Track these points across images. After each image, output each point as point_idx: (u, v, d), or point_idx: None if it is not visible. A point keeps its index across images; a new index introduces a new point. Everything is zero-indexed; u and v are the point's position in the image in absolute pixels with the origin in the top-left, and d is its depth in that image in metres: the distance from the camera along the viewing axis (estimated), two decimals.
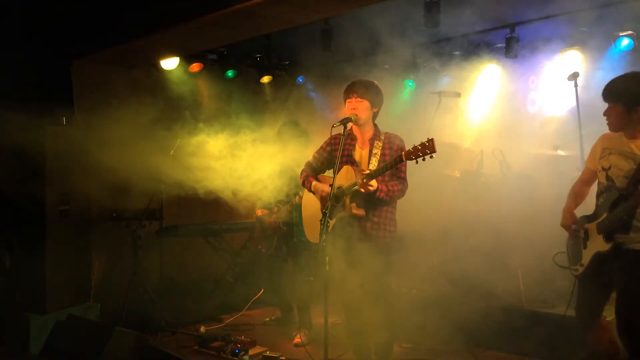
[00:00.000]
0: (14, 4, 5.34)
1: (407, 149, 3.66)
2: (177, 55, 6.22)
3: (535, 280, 5.17)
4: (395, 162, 3.72)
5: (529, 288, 5.09)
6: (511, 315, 4.68)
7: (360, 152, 4.05)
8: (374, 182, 3.75)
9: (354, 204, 3.88)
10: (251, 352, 4.69)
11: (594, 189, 3.62)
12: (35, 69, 5.29)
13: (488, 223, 5.28)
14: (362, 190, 3.74)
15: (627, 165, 3.28)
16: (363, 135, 4.06)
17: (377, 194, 3.79)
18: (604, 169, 3.41)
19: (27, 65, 5.16)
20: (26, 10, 5.43)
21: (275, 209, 5.28)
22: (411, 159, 3.62)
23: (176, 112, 6.25)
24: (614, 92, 3.33)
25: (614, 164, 3.35)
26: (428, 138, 3.56)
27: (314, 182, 4.12)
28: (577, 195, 3.71)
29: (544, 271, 5.16)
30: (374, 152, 3.95)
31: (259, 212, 5.46)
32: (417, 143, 3.60)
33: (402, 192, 3.97)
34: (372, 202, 3.89)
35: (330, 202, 3.69)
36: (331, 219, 3.88)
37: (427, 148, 3.55)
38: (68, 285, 4.99)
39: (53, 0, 5.47)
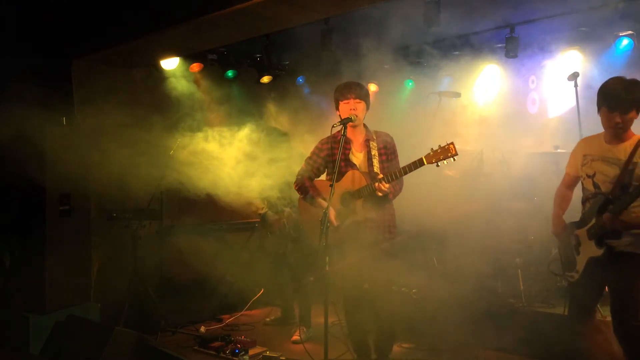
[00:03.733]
0: (14, 4, 5.34)
1: (427, 153, 3.66)
2: (177, 55, 6.22)
3: (535, 280, 5.17)
4: (416, 166, 3.72)
5: (529, 288, 5.09)
6: (511, 315, 4.68)
7: (357, 155, 4.05)
8: (388, 186, 3.78)
9: (366, 208, 3.89)
10: (251, 352, 4.69)
11: (577, 194, 3.63)
12: (35, 69, 5.29)
13: (488, 223, 5.29)
14: (380, 194, 3.77)
15: (612, 171, 3.31)
16: (357, 137, 4.07)
17: (389, 195, 3.85)
18: (589, 176, 3.43)
19: (27, 65, 5.15)
20: (26, 10, 5.43)
21: (287, 213, 5.28)
22: (432, 163, 3.64)
23: (176, 112, 6.25)
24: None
25: (598, 170, 3.37)
26: (447, 142, 3.58)
27: (319, 200, 4.06)
28: (562, 200, 3.73)
29: (544, 271, 5.17)
30: (372, 153, 3.96)
31: (261, 210, 5.47)
32: (436, 147, 3.61)
33: (400, 190, 4.03)
34: (379, 203, 3.92)
35: (330, 204, 3.67)
36: (341, 223, 3.89)
37: (448, 151, 3.57)
38: (68, 285, 4.99)
39: (53, 0, 5.47)
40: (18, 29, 5.37)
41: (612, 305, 3.32)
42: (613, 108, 3.28)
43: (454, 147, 3.56)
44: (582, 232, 3.46)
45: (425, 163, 3.66)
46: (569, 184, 3.71)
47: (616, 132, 3.33)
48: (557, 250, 3.75)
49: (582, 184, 3.52)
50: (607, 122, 3.35)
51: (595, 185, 3.39)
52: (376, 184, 3.76)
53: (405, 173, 3.76)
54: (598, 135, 3.48)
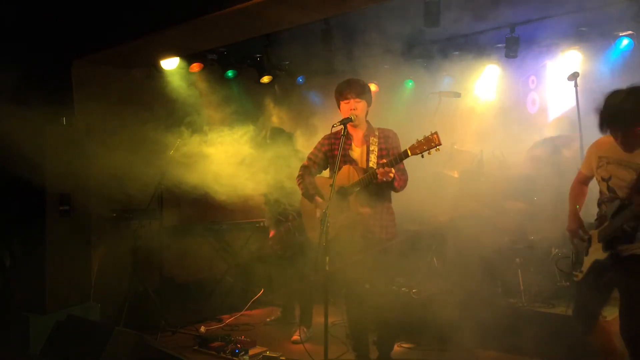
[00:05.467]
0: (15, 4, 5.33)
1: (411, 144, 3.64)
2: (177, 55, 6.22)
3: (536, 280, 5.17)
4: (402, 158, 3.71)
5: (529, 288, 5.09)
6: (511, 315, 4.68)
7: (357, 150, 4.08)
8: (392, 170, 3.72)
9: (358, 203, 3.89)
10: (251, 352, 4.68)
11: (594, 194, 3.60)
12: (35, 69, 5.29)
13: (488, 223, 5.28)
14: (383, 178, 3.69)
15: (628, 176, 3.22)
16: (358, 133, 4.09)
17: (395, 183, 3.81)
18: (604, 180, 3.35)
19: (27, 65, 5.16)
20: (26, 10, 5.43)
21: (292, 217, 5.28)
22: (417, 154, 3.61)
23: (176, 112, 6.26)
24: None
25: (614, 174, 3.29)
26: (431, 131, 3.55)
27: (318, 199, 4.11)
28: (577, 196, 3.65)
29: (544, 271, 5.17)
30: (371, 149, 3.99)
31: (271, 233, 5.47)
32: (421, 137, 3.60)
33: (406, 182, 4.02)
34: (373, 200, 3.91)
35: (331, 204, 3.68)
36: (335, 219, 3.88)
37: (431, 141, 3.54)
38: (68, 285, 4.99)
39: (53, 0, 5.47)
40: (18, 28, 5.37)
41: (620, 307, 3.26)
42: (614, 130, 3.18)
43: (438, 136, 3.52)
44: (595, 234, 3.42)
45: (410, 154, 3.64)
46: (583, 180, 3.64)
47: (627, 146, 3.20)
48: (571, 247, 3.68)
49: (599, 187, 3.44)
50: (615, 140, 3.23)
51: (610, 190, 3.31)
52: (379, 170, 3.69)
53: (392, 165, 3.72)
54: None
